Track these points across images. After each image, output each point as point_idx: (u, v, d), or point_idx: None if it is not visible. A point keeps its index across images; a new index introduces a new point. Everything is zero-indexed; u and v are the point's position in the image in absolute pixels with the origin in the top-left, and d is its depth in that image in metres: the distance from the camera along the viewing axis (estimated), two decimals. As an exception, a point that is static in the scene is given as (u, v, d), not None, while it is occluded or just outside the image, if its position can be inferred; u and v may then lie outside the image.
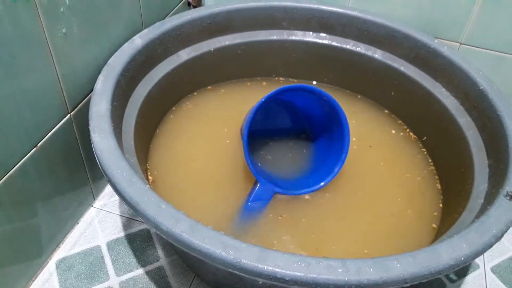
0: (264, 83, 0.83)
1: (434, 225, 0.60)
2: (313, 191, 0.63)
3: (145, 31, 0.67)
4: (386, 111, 0.78)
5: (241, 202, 0.62)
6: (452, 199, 0.60)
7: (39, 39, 0.50)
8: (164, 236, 0.42)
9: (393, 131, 0.75)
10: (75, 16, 0.54)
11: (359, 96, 0.81)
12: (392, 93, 0.76)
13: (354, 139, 0.69)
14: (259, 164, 0.67)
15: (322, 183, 0.63)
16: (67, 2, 0.53)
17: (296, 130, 0.73)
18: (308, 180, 0.65)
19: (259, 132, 0.68)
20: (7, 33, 0.45)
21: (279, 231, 0.59)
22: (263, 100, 0.58)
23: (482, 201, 0.51)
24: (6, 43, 0.46)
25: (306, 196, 0.64)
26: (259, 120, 0.58)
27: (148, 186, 0.46)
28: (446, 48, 0.67)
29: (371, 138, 0.73)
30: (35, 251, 0.60)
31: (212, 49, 0.75)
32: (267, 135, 0.71)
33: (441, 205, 0.63)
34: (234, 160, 0.68)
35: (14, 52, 0.47)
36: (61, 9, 0.52)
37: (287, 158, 0.69)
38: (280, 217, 0.61)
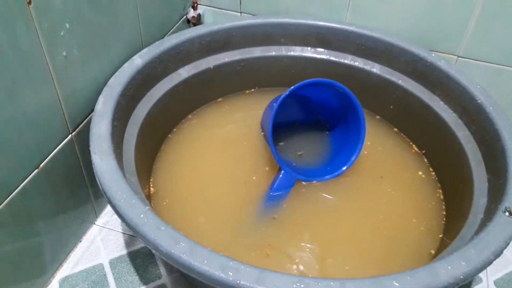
0: (264, 93, 0.83)
1: (432, 251, 0.60)
2: (333, 177, 0.68)
3: (144, 50, 0.68)
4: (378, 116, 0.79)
5: (251, 208, 0.64)
6: (454, 213, 0.60)
7: (40, 63, 0.51)
8: (163, 258, 0.42)
9: (391, 141, 0.76)
10: (75, 39, 0.55)
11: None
12: (391, 107, 0.77)
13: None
14: (279, 153, 0.70)
15: (343, 168, 0.68)
16: (67, 26, 0.54)
17: (313, 122, 0.77)
18: (326, 169, 0.69)
19: (279, 125, 0.70)
20: (8, 57, 0.46)
21: (272, 233, 0.61)
22: (287, 93, 0.62)
23: (482, 216, 0.51)
24: (7, 67, 0.46)
25: (302, 189, 0.66)
26: (278, 114, 0.63)
27: (148, 207, 0.46)
28: (443, 62, 0.68)
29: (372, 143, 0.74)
30: (38, 270, 0.61)
31: (211, 66, 0.76)
32: (286, 127, 0.75)
33: (444, 220, 0.63)
34: (241, 169, 0.70)
35: (15, 76, 0.48)
36: (62, 33, 0.53)
37: (305, 148, 0.73)
38: (273, 219, 0.63)
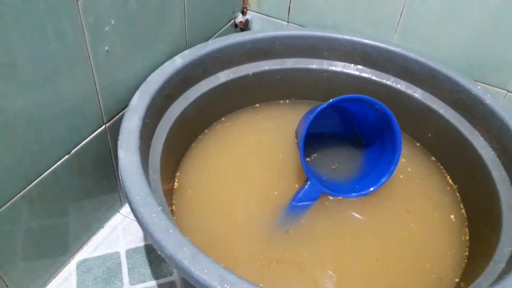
0: (299, 105, 0.83)
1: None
2: (359, 195, 0.66)
3: (186, 51, 0.69)
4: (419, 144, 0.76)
5: (268, 218, 0.64)
6: (475, 258, 0.57)
7: (82, 55, 0.53)
8: (166, 260, 0.43)
9: (428, 173, 0.73)
10: (119, 35, 0.58)
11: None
12: (429, 135, 0.74)
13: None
14: (309, 164, 0.70)
15: (371, 189, 0.66)
16: (113, 22, 0.56)
17: (349, 136, 0.76)
18: (354, 186, 0.68)
19: (314, 135, 0.70)
20: (52, 47, 0.49)
21: (282, 246, 0.61)
22: (325, 105, 0.62)
23: (504, 265, 0.49)
24: (50, 56, 0.49)
25: (326, 202, 0.65)
26: (314, 124, 0.63)
27: (161, 208, 0.47)
28: (488, 95, 0.64)
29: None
30: (60, 249, 0.64)
31: (251, 73, 0.76)
32: (321, 138, 0.75)
33: (465, 261, 0.60)
34: (268, 180, 0.69)
35: (57, 64, 0.50)
36: (106, 28, 0.55)
37: (338, 162, 0.73)
38: (287, 232, 0.62)
